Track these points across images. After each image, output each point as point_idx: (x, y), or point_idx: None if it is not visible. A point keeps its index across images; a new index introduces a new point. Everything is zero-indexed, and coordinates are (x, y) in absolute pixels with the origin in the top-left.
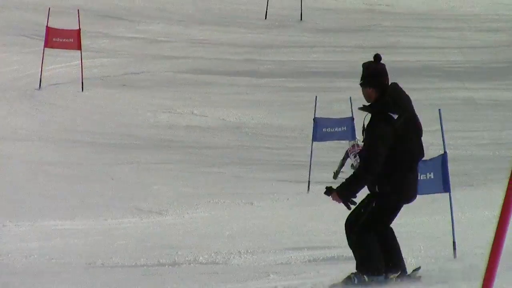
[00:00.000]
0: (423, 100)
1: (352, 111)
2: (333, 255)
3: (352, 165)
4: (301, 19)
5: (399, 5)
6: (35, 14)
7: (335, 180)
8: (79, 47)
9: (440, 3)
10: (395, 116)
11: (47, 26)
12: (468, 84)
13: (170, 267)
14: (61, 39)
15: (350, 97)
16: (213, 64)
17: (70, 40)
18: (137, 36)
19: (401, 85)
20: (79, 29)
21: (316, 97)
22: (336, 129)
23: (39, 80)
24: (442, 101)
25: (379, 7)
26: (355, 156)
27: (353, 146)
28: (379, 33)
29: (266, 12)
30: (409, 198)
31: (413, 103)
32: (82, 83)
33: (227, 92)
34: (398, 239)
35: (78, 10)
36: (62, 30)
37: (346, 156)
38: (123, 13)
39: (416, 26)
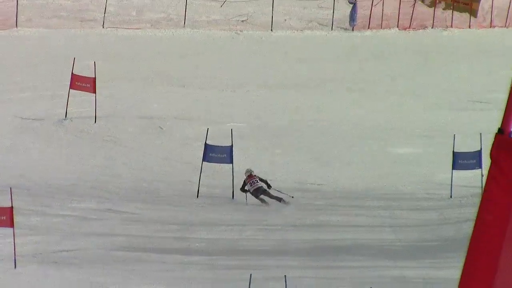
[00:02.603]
0: (355, 278)
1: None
2: None
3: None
4: (232, 197)
5: (330, 184)
6: None
7: None
8: (11, 225)
9: (371, 181)
10: None
11: None
12: (399, 263)
13: None
14: None
15: (285, 275)
16: (143, 241)
17: (3, 217)
18: (69, 213)
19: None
20: (12, 207)
21: (250, 275)
22: None
23: None
24: (374, 279)
25: (310, 186)
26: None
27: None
28: (310, 212)
29: (198, 190)
30: None
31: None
32: (15, 260)
33: (158, 269)
34: None
35: (10, 188)
36: None
37: (244, 184)
38: (55, 191)
39: (347, 204)
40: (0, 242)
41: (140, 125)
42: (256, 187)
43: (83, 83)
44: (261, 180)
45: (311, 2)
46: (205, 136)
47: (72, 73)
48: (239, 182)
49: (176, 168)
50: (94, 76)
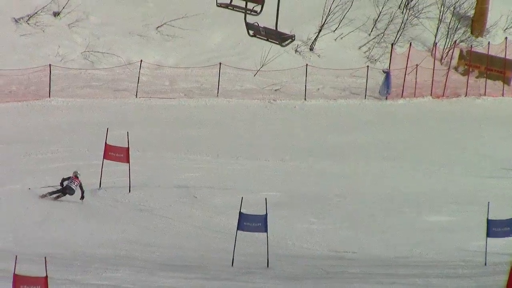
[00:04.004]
0: None
1: None
2: None
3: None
4: (267, 266)
5: (365, 252)
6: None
7: None
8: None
9: (405, 249)
10: None
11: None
12: None
13: None
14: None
15: None
16: None
17: (37, 287)
18: (104, 283)
19: None
20: (46, 276)
21: None
22: None
23: None
24: None
25: (345, 254)
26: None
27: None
28: (345, 279)
29: (233, 259)
30: None
31: None
32: None
33: None
34: None
35: (45, 258)
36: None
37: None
38: (89, 261)
39: (382, 272)
40: None
41: (174, 194)
42: (69, 186)
43: (116, 153)
44: (81, 188)
45: (344, 71)
46: (239, 205)
47: (105, 143)
48: (274, 251)
49: (211, 237)
50: (127, 146)
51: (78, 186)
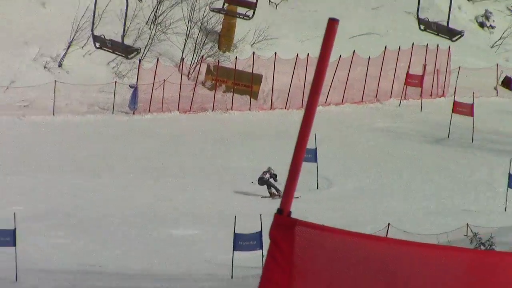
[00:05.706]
0: None
1: None
2: None
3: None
4: (16, 280)
5: (110, 266)
6: None
7: None
8: None
9: (150, 262)
10: None
11: None
12: None
13: None
14: None
15: None
16: None
17: None
18: None
19: None
20: None
21: None
22: None
23: None
24: None
25: (92, 268)
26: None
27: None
28: None
29: None
30: None
31: None
32: None
33: None
34: None
35: None
36: None
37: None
38: None
39: (126, 285)
40: None
41: None
42: (260, 177)
43: None
44: (272, 176)
45: (92, 87)
46: None
47: None
48: (23, 266)
49: None
50: None
51: (267, 177)
